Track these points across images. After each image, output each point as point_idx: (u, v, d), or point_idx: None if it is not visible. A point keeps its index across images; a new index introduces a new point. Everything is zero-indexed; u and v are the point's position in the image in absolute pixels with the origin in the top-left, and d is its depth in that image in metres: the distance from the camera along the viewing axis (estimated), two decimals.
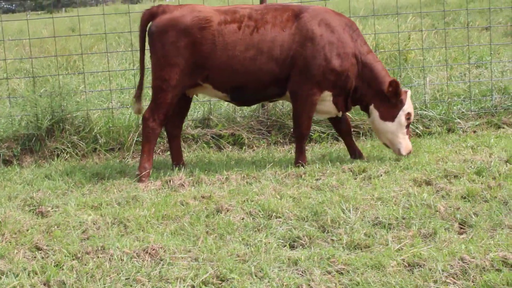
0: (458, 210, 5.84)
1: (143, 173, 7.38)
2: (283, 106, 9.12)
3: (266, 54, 7.35)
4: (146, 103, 8.23)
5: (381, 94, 7.55)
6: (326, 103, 7.65)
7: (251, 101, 7.87)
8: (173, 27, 7.37)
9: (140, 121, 8.78)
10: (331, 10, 7.74)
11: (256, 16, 7.44)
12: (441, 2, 25.17)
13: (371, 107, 7.65)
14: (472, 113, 9.34)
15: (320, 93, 7.52)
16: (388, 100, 7.53)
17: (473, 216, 5.70)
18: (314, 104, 7.60)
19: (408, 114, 7.53)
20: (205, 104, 9.47)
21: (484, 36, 14.82)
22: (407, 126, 7.58)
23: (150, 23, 7.56)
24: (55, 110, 8.68)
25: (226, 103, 9.32)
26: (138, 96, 7.84)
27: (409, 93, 7.61)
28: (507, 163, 7.21)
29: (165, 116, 7.52)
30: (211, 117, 9.02)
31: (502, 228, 5.43)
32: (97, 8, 38.40)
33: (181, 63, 7.35)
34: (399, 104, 7.52)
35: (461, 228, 5.57)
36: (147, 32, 7.58)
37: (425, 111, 9.14)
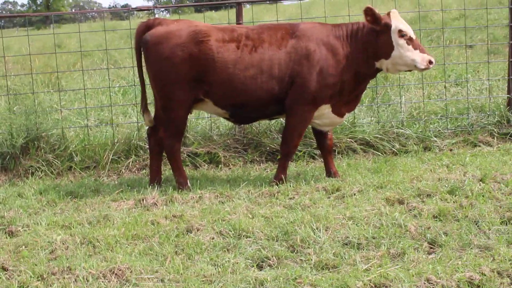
0: (429, 229, 5.83)
1: (184, 188, 7.50)
2: (260, 124, 9.10)
3: (266, 73, 7.35)
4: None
5: (372, 46, 7.46)
6: (326, 115, 7.66)
7: (251, 119, 7.86)
8: (169, 39, 7.35)
9: (115, 138, 8.76)
10: (317, 23, 7.75)
11: (253, 36, 7.45)
12: (426, 20, 25.44)
13: (378, 64, 7.54)
14: (449, 131, 9.36)
15: (315, 109, 7.52)
16: (376, 37, 7.41)
17: (443, 235, 5.68)
18: (307, 121, 7.62)
19: (400, 31, 7.31)
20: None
21: (468, 54, 14.89)
22: (410, 41, 7.33)
23: (146, 34, 7.53)
24: (30, 128, 8.63)
25: (201, 120, 9.34)
26: (144, 108, 7.84)
27: (393, 11, 7.48)
28: (481, 182, 7.21)
29: (181, 131, 7.62)
30: (188, 135, 8.98)
31: (471, 248, 5.42)
32: (85, 25, 38.49)
33: (181, 78, 7.34)
34: (386, 29, 7.37)
35: (431, 247, 5.55)
36: (142, 44, 7.56)
37: (402, 129, 9.14)
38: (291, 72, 7.36)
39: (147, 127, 7.92)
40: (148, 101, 7.96)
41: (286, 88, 7.38)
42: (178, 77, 7.34)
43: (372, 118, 9.43)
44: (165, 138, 7.56)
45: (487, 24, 12.29)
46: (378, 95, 10.69)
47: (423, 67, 7.34)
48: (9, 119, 8.81)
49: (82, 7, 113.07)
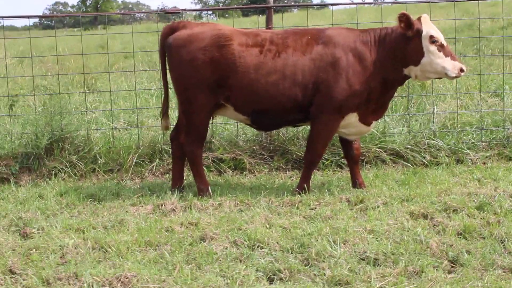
0: (451, 247, 5.58)
1: (205, 194, 7.37)
2: (287, 131, 8.91)
3: (289, 79, 7.16)
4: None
5: (401, 52, 7.21)
6: (353, 124, 7.42)
7: (273, 125, 7.66)
8: (191, 43, 7.23)
9: (139, 142, 8.68)
10: (344, 29, 7.54)
11: (277, 41, 7.27)
12: (473, 28, 24.93)
13: (406, 70, 7.27)
14: (483, 143, 9.03)
15: (342, 119, 7.29)
16: (406, 43, 7.15)
17: (466, 254, 5.43)
18: (333, 131, 7.41)
19: (431, 37, 7.05)
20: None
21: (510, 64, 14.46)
22: (441, 48, 7.06)
23: (169, 37, 7.44)
24: (55, 129, 8.58)
25: (228, 126, 9.19)
26: (164, 113, 7.76)
27: (424, 17, 7.19)
28: None
29: (202, 136, 7.46)
30: (213, 140, 8.84)
31: (494, 269, 5.18)
32: (130, 27, 38.79)
33: (202, 82, 7.21)
34: (418, 35, 7.12)
35: (452, 266, 5.31)
36: (165, 47, 7.46)
37: (434, 140, 8.85)
38: (315, 79, 7.15)
39: (171, 131, 7.79)
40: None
41: (310, 95, 7.17)
42: (199, 81, 7.21)
43: (404, 128, 9.15)
44: (186, 144, 7.43)
45: None
46: (413, 104, 10.42)
47: (454, 75, 7.06)
48: (34, 119, 8.76)
49: (131, 9, 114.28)
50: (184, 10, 8.63)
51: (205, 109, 7.34)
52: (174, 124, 7.87)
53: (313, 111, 7.22)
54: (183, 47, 7.27)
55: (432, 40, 7.03)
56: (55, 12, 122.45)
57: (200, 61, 7.20)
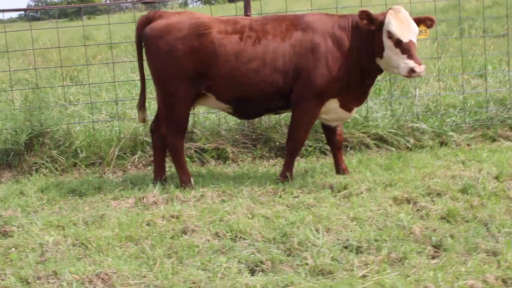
0: (435, 232, 5.55)
1: (187, 186, 7.28)
2: (269, 119, 8.83)
3: (269, 65, 7.07)
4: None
5: (370, 43, 7.01)
6: (334, 110, 7.32)
7: (255, 113, 7.57)
8: (169, 32, 7.11)
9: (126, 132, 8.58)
10: (323, 14, 7.43)
11: (256, 27, 7.17)
12: (458, 9, 24.82)
13: (377, 61, 7.07)
14: (467, 125, 8.98)
15: (322, 105, 7.20)
16: (372, 36, 6.95)
17: (449, 238, 5.39)
18: (314, 117, 7.32)
19: (388, 32, 6.79)
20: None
21: (498, 44, 14.35)
22: (398, 44, 6.74)
23: (146, 27, 7.30)
24: (34, 124, 8.47)
25: (210, 115, 9.10)
26: (142, 105, 7.67)
27: (393, 9, 6.88)
28: (496, 180, 6.90)
29: (183, 127, 7.36)
30: (195, 130, 8.75)
31: (477, 253, 5.13)
32: (116, 16, 38.46)
33: (182, 72, 7.10)
34: (379, 29, 6.90)
35: (435, 251, 5.26)
36: (142, 37, 7.33)
37: (417, 123, 8.79)
38: (295, 65, 7.06)
39: (151, 123, 7.69)
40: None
41: (291, 82, 7.09)
42: (179, 71, 7.10)
43: (387, 112, 9.08)
44: (167, 136, 7.34)
45: None
46: (396, 87, 10.34)
47: (403, 74, 6.76)
48: (13, 115, 8.64)
49: None
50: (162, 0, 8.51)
51: (185, 100, 7.24)
52: (154, 116, 7.77)
53: (294, 98, 7.14)
54: (161, 37, 7.15)
55: (389, 35, 6.81)
56: (40, 4, 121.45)
57: (179, 51, 7.09)
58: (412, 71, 6.65)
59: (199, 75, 7.13)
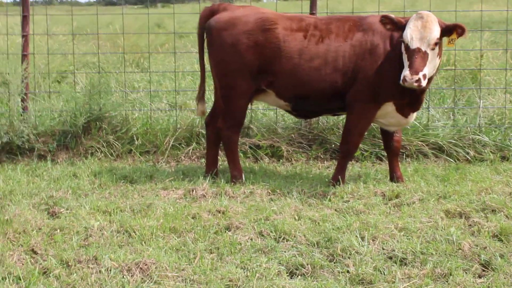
0: (484, 249, 5.34)
1: (238, 181, 7.27)
2: (327, 120, 8.71)
3: (330, 65, 7.00)
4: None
5: None
6: (391, 114, 7.18)
7: (313, 112, 7.50)
8: (234, 26, 7.10)
9: (177, 124, 8.59)
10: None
11: (321, 26, 7.12)
12: None
13: None
14: None
15: (378, 108, 7.07)
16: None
17: (499, 258, 5.18)
18: (369, 120, 7.20)
19: (401, 36, 6.68)
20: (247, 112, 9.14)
21: None
22: (406, 50, 6.55)
23: (210, 19, 7.30)
24: (93, 108, 8.56)
25: (268, 112, 9.03)
26: (201, 98, 7.67)
27: (412, 17, 6.66)
28: None
29: (240, 122, 7.36)
30: (252, 126, 8.69)
31: None
32: (189, 5, 38.75)
33: (245, 67, 7.08)
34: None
35: (483, 270, 5.07)
36: (205, 29, 7.33)
37: (479, 135, 8.53)
38: (354, 66, 6.96)
39: (206, 116, 7.68)
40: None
41: (349, 82, 6.98)
42: (241, 65, 7.07)
43: (448, 122, 8.84)
44: (223, 129, 7.31)
45: None
46: (461, 97, 10.08)
47: (399, 81, 6.57)
48: (73, 98, 8.75)
49: None
50: None
51: (245, 95, 7.21)
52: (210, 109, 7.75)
53: (350, 99, 7.03)
54: (225, 30, 7.13)
55: (402, 39, 6.66)
56: None
57: (243, 45, 7.06)
58: (404, 79, 6.45)
59: (261, 70, 7.08)
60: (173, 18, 10.12)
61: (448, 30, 6.63)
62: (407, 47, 6.57)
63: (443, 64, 11.74)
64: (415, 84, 6.41)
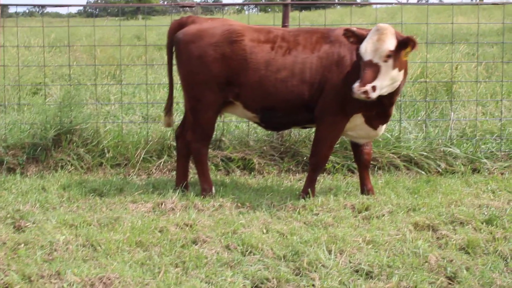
0: (451, 262, 5.35)
1: (207, 194, 7.22)
2: (299, 133, 8.70)
3: (297, 76, 6.99)
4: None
5: None
6: (360, 127, 7.18)
7: (281, 125, 7.45)
8: (201, 38, 7.09)
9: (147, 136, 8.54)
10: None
11: (288, 38, 7.11)
12: None
13: None
14: (502, 153, 8.70)
15: (347, 120, 7.07)
16: None
17: (465, 270, 5.18)
18: (338, 132, 7.18)
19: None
20: (218, 124, 9.10)
21: None
22: (361, 61, 6.58)
23: (178, 32, 7.28)
24: (63, 120, 8.49)
25: (240, 124, 9.00)
26: (168, 109, 7.63)
27: (371, 30, 6.65)
28: None
29: (209, 134, 7.33)
30: (223, 138, 8.67)
31: None
32: (168, 18, 38.71)
33: (212, 78, 7.06)
34: None
35: (449, 283, 5.07)
36: (174, 42, 7.31)
37: (450, 147, 8.55)
38: (321, 77, 6.96)
39: (176, 128, 7.65)
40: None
41: (316, 94, 6.97)
42: (208, 77, 7.05)
43: (420, 134, 8.86)
44: (192, 142, 7.29)
45: None
46: (435, 109, 10.12)
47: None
48: (43, 110, 8.68)
49: (174, 0, 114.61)
50: (199, 4, 8.47)
51: (213, 107, 7.18)
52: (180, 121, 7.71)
53: (318, 111, 7.02)
54: (193, 42, 7.11)
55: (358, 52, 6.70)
56: (99, 1, 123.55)
57: (210, 57, 7.05)
58: (352, 91, 6.43)
59: (228, 82, 7.06)
60: (145, 31, 10.14)
61: (405, 43, 6.61)
62: (361, 59, 6.58)
63: (418, 76, 11.79)
64: (362, 95, 6.39)
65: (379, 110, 6.99)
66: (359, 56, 6.72)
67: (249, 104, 7.17)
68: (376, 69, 6.48)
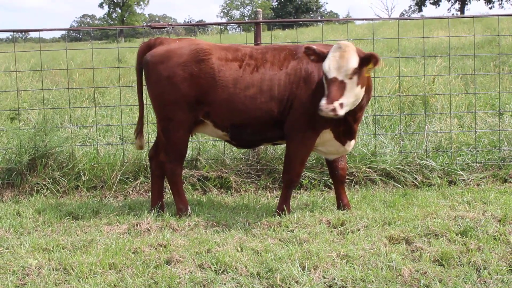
0: (424, 274, 5.34)
1: (183, 214, 7.22)
2: (275, 150, 8.70)
3: (266, 93, 6.99)
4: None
5: None
6: (329, 142, 7.19)
7: (252, 142, 7.44)
8: (169, 58, 7.09)
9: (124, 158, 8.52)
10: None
11: (256, 55, 7.13)
12: (492, 45, 24.60)
13: None
14: (478, 164, 8.74)
15: (317, 135, 7.07)
16: None
17: (438, 283, 5.18)
18: (309, 149, 7.18)
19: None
20: (194, 144, 9.09)
21: None
22: (326, 79, 6.52)
23: (147, 54, 7.29)
24: (38, 144, 8.45)
25: (217, 143, 9.00)
26: (139, 131, 7.63)
27: (332, 48, 6.64)
28: (499, 223, 6.64)
29: (182, 154, 7.30)
30: (200, 158, 8.66)
31: None
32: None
33: (181, 98, 7.05)
34: None
35: None
36: (143, 64, 7.31)
37: (426, 160, 8.58)
38: (289, 93, 6.97)
39: (150, 149, 7.64)
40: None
41: (286, 111, 6.98)
42: (178, 97, 7.05)
43: (395, 148, 8.89)
44: (166, 163, 7.28)
45: None
46: (412, 122, 10.17)
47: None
48: (17, 135, 8.64)
49: (157, 22, 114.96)
50: (170, 25, 8.47)
51: (184, 126, 7.17)
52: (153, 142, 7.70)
53: (288, 128, 7.02)
54: (161, 63, 7.12)
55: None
56: (82, 25, 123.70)
57: (179, 77, 7.05)
58: (320, 108, 6.37)
59: (198, 101, 7.07)
60: (118, 53, 10.06)
61: (367, 60, 6.61)
62: (325, 77, 6.56)
63: (396, 90, 11.85)
64: (331, 113, 6.37)
65: (345, 126, 7.01)
66: (323, 74, 6.72)
67: (219, 122, 7.17)
68: (342, 86, 6.47)
